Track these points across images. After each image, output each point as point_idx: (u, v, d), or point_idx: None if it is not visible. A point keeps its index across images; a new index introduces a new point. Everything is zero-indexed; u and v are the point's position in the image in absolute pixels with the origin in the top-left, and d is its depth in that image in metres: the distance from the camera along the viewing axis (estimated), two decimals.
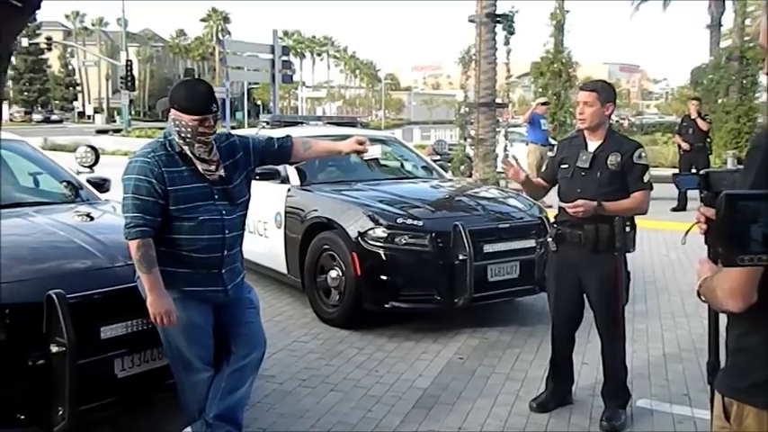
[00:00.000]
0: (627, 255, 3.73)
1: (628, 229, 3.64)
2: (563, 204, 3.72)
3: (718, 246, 1.35)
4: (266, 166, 3.57)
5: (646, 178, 3.69)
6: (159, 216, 2.94)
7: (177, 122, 2.97)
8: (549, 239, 3.89)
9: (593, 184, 3.67)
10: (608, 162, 3.66)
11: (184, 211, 2.98)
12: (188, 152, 3.00)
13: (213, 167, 3.05)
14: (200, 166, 3.02)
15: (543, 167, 4.15)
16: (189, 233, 3.00)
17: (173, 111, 2.99)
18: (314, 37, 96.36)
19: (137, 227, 2.90)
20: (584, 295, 3.83)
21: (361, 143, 3.32)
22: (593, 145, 3.75)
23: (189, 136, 2.97)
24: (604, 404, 3.85)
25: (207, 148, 3.03)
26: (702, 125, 11.27)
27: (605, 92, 3.75)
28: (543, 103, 12.04)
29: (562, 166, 3.85)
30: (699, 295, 1.75)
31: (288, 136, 3.36)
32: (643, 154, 3.72)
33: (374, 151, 3.44)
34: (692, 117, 11.47)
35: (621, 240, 3.62)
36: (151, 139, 3.26)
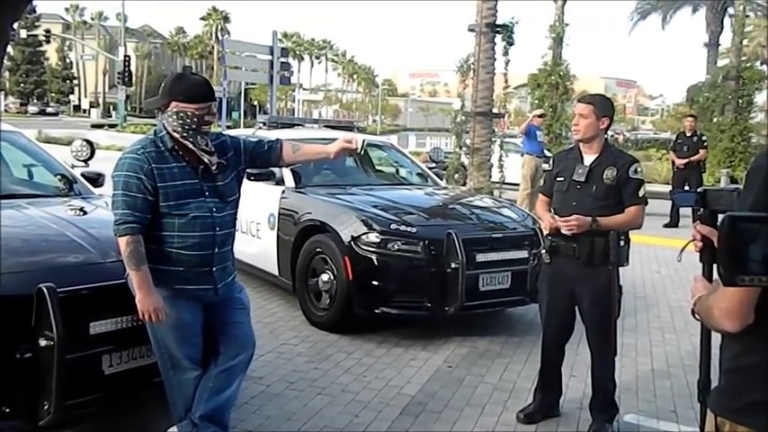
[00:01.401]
0: (619, 269, 3.74)
1: (622, 243, 3.65)
2: (557, 220, 3.72)
3: (719, 265, 1.37)
4: (257, 168, 3.52)
5: (641, 193, 3.70)
6: (149, 213, 2.94)
7: (181, 114, 2.98)
8: (543, 251, 3.89)
9: (589, 197, 3.67)
10: (604, 176, 3.67)
11: (175, 208, 2.98)
12: (190, 145, 3.00)
13: (214, 158, 3.08)
14: (204, 158, 3.04)
15: (541, 182, 4.16)
16: (179, 230, 2.99)
17: (174, 104, 2.99)
18: (313, 40, 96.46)
19: (126, 223, 2.90)
20: (576, 308, 3.84)
21: (348, 141, 3.30)
22: (588, 158, 3.76)
23: (194, 126, 2.99)
24: (592, 418, 3.85)
25: (207, 138, 3.07)
26: (701, 155, 11.35)
27: (602, 106, 3.76)
28: (540, 115, 12.06)
29: (558, 179, 3.85)
30: (693, 313, 1.75)
31: (278, 139, 3.39)
32: (639, 169, 3.74)
33: (358, 143, 3.34)
34: (688, 135, 11.54)
35: (616, 254, 3.62)
36: (142, 136, 3.26)
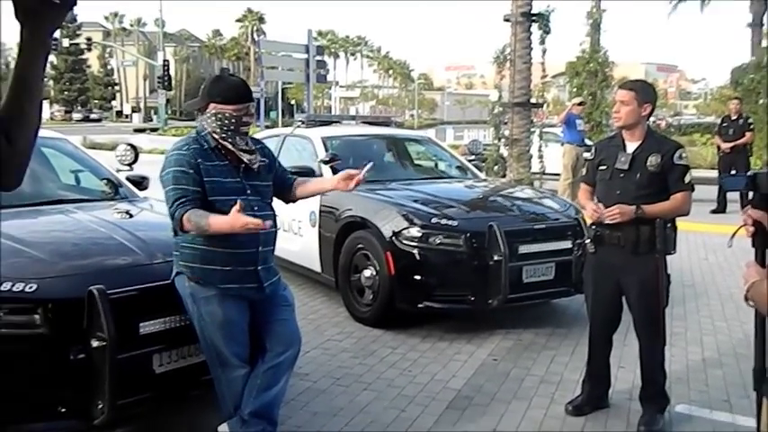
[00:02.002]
0: (666, 257, 3.66)
1: (668, 230, 3.57)
2: (601, 210, 3.65)
3: None
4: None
5: (687, 179, 3.62)
6: (200, 200, 2.94)
7: (220, 116, 3.02)
8: (588, 241, 3.83)
9: (633, 185, 3.61)
10: (647, 163, 3.60)
11: (220, 203, 3.00)
12: (229, 146, 3.05)
13: (254, 157, 3.12)
14: (244, 158, 3.08)
15: (584, 171, 4.09)
16: None
17: (213, 105, 3.04)
18: (348, 37, 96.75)
19: (179, 207, 2.88)
20: (623, 297, 3.78)
21: (350, 176, 3.24)
22: (631, 146, 3.69)
23: (233, 127, 3.04)
24: (642, 409, 3.79)
25: (246, 138, 3.12)
26: (748, 138, 11.05)
27: (643, 92, 3.69)
28: (579, 104, 11.90)
29: (600, 168, 3.79)
30: (746, 300, 1.71)
31: (295, 177, 3.49)
32: (684, 154, 3.66)
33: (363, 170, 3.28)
34: (733, 118, 11.26)
35: (662, 242, 3.55)
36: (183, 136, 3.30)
